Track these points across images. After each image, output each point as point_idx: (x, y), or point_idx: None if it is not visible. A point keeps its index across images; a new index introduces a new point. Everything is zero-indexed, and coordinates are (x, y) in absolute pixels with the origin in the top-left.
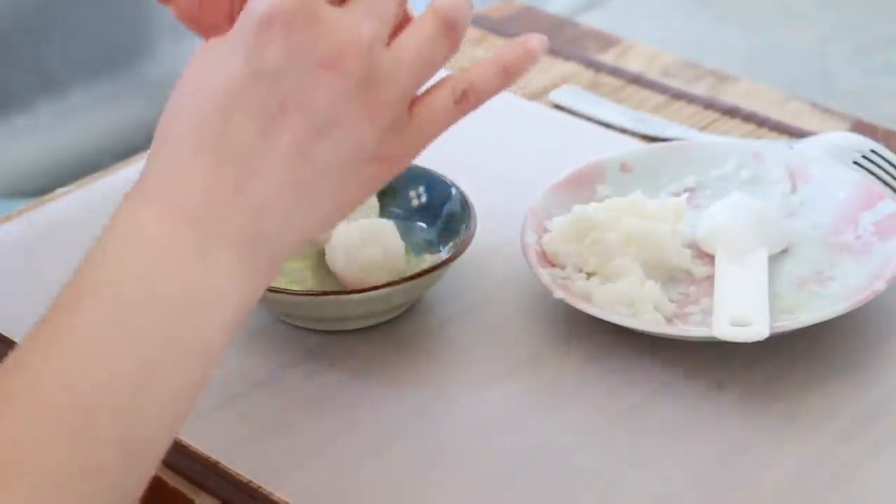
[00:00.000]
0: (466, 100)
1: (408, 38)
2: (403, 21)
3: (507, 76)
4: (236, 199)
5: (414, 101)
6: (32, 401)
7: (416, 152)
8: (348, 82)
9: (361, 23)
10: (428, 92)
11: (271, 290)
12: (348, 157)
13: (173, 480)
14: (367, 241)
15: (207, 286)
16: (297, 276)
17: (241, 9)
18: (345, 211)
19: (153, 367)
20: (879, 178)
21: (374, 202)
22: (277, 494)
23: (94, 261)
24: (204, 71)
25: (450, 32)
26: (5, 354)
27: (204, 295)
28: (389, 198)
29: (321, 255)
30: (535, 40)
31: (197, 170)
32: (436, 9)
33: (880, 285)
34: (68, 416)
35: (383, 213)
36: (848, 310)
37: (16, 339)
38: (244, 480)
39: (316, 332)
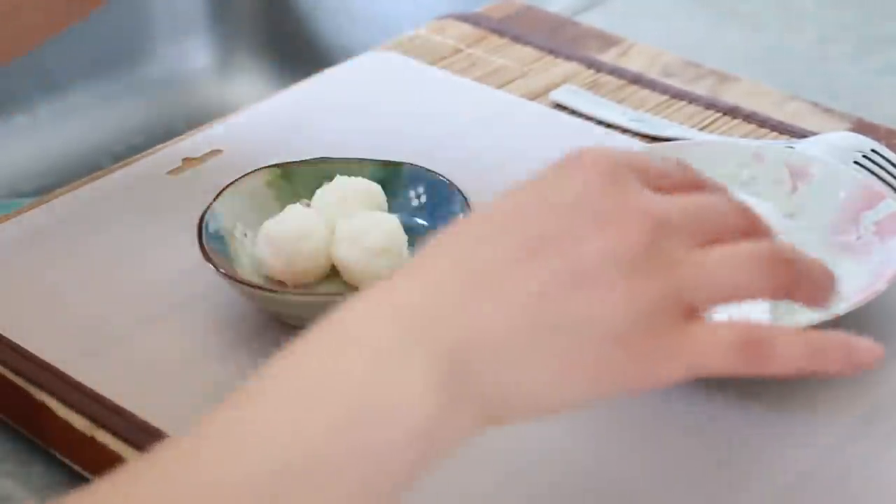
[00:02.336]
0: (751, 349)
1: (729, 252)
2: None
3: (813, 360)
4: (454, 314)
5: (694, 317)
6: (171, 477)
7: (669, 368)
8: (619, 248)
9: (665, 208)
10: (714, 320)
11: (271, 290)
12: (592, 324)
13: None
14: (372, 228)
15: (395, 383)
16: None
17: None
18: (574, 386)
19: (317, 459)
20: (880, 178)
21: (383, 198)
22: None
23: (292, 344)
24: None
25: (778, 292)
26: (4, 354)
27: (388, 391)
28: (390, 197)
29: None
30: (866, 354)
31: (425, 269)
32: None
33: (881, 285)
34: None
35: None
36: (848, 310)
37: (16, 340)
38: None
39: None
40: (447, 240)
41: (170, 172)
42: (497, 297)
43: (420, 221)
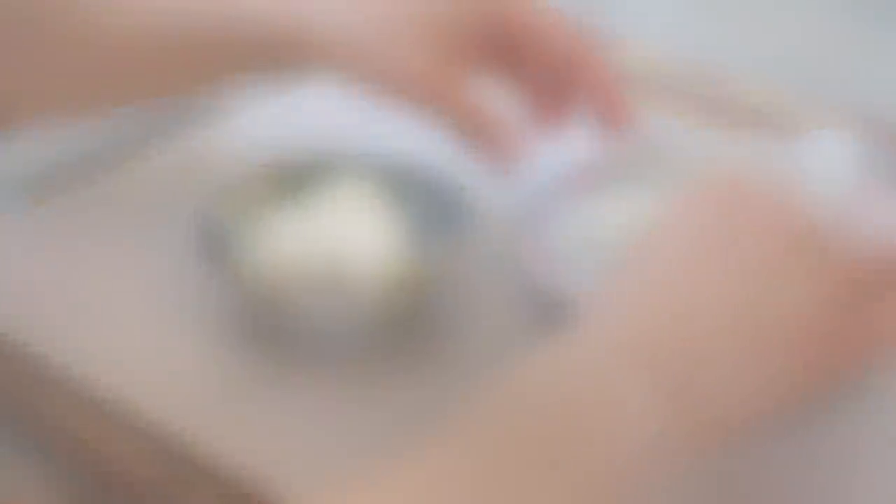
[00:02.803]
0: None
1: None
2: None
3: None
4: (662, 334)
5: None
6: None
7: (866, 341)
8: (776, 239)
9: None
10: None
11: (272, 290)
12: (786, 313)
13: (170, 481)
14: (372, 228)
15: (617, 392)
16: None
17: None
18: (780, 378)
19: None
20: (880, 179)
21: (383, 198)
22: (277, 495)
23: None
24: None
25: None
26: (5, 354)
27: (612, 398)
28: (391, 198)
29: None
30: None
31: (627, 302)
32: None
33: None
34: None
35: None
36: None
37: (16, 340)
38: (244, 481)
39: (315, 333)
40: (622, 279)
41: (169, 172)
42: (687, 308)
43: (420, 222)
